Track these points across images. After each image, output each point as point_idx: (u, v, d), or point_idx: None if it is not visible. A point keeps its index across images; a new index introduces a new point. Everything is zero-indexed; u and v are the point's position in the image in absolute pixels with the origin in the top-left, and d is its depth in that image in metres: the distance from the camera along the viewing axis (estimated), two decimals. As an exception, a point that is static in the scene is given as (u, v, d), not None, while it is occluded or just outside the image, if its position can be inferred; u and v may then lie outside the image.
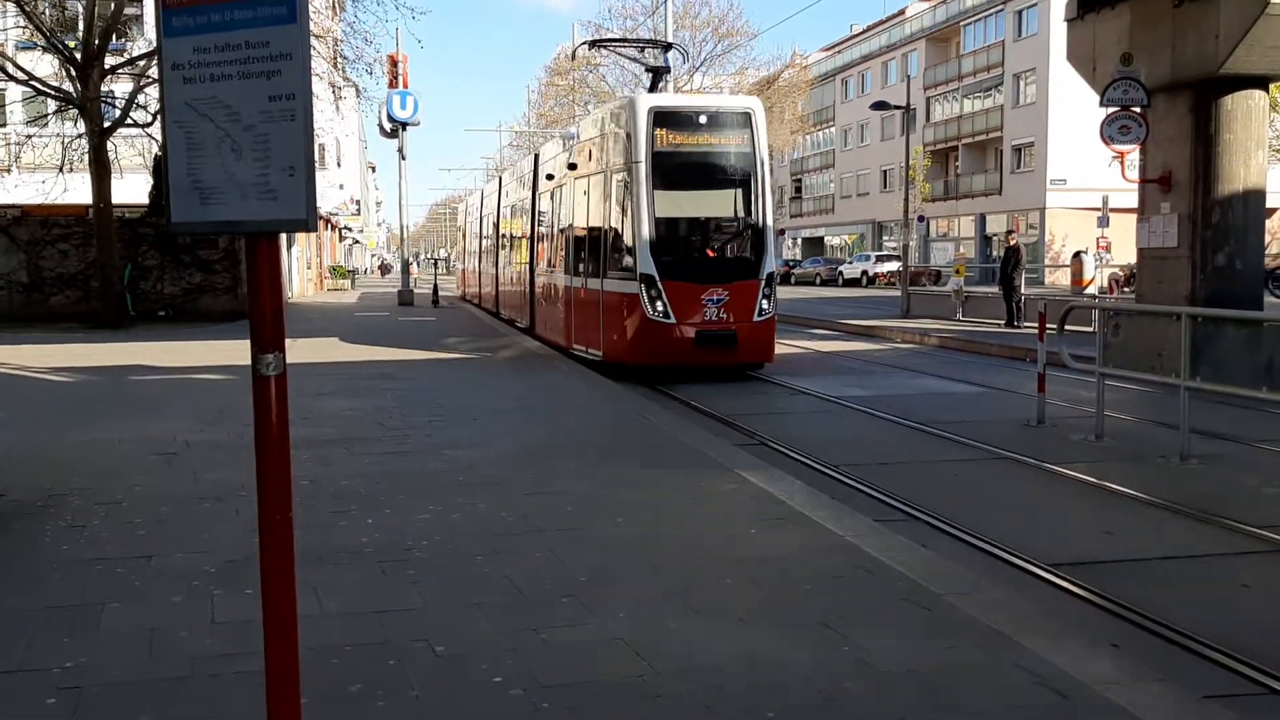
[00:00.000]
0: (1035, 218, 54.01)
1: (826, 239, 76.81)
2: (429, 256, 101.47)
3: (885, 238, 66.83)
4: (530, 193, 21.18)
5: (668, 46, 21.11)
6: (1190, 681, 4.15)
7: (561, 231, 17.76)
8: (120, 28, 24.57)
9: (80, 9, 23.75)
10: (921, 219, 45.94)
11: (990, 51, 58.78)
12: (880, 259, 53.70)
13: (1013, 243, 24.53)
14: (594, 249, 15.47)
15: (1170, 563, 6.15)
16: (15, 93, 28.36)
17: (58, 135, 25.42)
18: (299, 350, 16.57)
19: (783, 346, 16.86)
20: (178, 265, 25.85)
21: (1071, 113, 46.98)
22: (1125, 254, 29.03)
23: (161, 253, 25.69)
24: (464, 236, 39.79)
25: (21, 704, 3.74)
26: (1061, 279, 42.16)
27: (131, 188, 26.53)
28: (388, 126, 34.43)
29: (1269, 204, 15.74)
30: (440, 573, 5.26)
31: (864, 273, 52.58)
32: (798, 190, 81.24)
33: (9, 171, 32.94)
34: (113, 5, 23.25)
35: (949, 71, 63.01)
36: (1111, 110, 14.76)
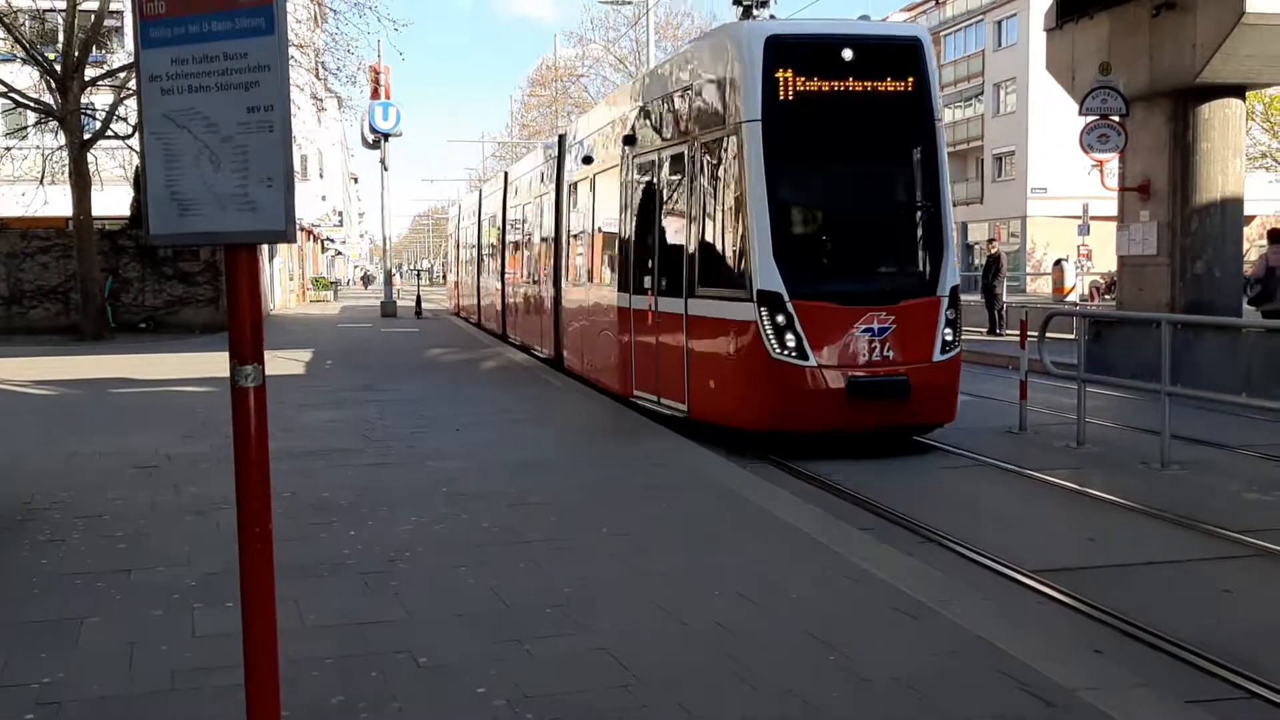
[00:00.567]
0: (1017, 226, 54.31)
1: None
2: (412, 267, 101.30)
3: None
4: (554, 186, 16.31)
5: None
6: (1173, 686, 4.17)
7: (608, 232, 13.03)
8: (100, 39, 24.46)
9: (60, 21, 23.66)
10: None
11: (970, 61, 59.15)
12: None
13: (994, 251, 24.71)
14: (670, 255, 10.61)
15: (1151, 568, 6.18)
16: (-6, 105, 28.23)
17: (37, 147, 25.30)
18: (278, 364, 16.52)
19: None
20: (159, 277, 25.72)
21: (1052, 122, 47.25)
22: (1106, 262, 29.23)
23: (142, 265, 25.57)
24: (456, 245, 34.13)
25: (-1, 720, 3.70)
26: (1043, 287, 42.43)
27: (112, 200, 26.41)
28: (370, 138, 34.40)
29: (1246, 212, 15.91)
30: (423, 584, 5.24)
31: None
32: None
33: (-12, 184, 32.75)
34: (92, 17, 23.18)
35: (930, 81, 63.21)
36: (1090, 119, 14.89)
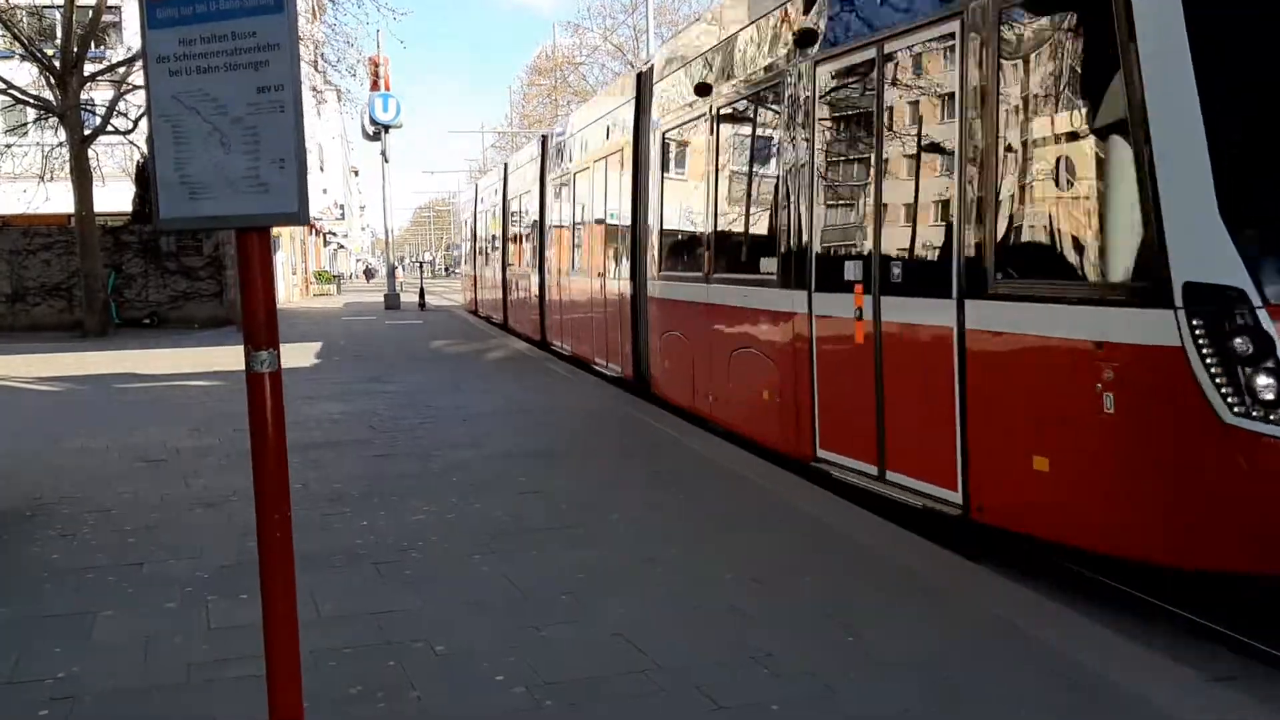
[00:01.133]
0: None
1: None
2: (415, 260, 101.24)
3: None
4: (629, 138, 11.84)
5: None
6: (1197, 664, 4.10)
7: (758, 191, 8.47)
8: (99, 35, 24.39)
9: (59, 17, 23.58)
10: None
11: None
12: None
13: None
14: (915, 219, 6.28)
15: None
16: (-6, 102, 28.15)
17: (38, 144, 25.22)
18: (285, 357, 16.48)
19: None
20: (162, 272, 25.67)
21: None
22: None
23: (145, 260, 25.52)
24: (473, 235, 28.89)
25: (13, 716, 3.67)
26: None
27: (114, 195, 26.34)
28: (370, 130, 34.34)
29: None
30: (437, 572, 5.21)
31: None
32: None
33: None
34: (91, 12, 23.09)
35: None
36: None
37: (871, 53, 6.48)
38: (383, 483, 7.23)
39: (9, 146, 26.05)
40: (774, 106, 7.86)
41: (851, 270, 6.64)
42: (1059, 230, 5.22)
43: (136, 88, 22.76)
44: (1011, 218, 5.44)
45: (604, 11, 46.74)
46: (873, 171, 6.50)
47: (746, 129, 8.77)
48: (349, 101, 33.58)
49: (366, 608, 4.69)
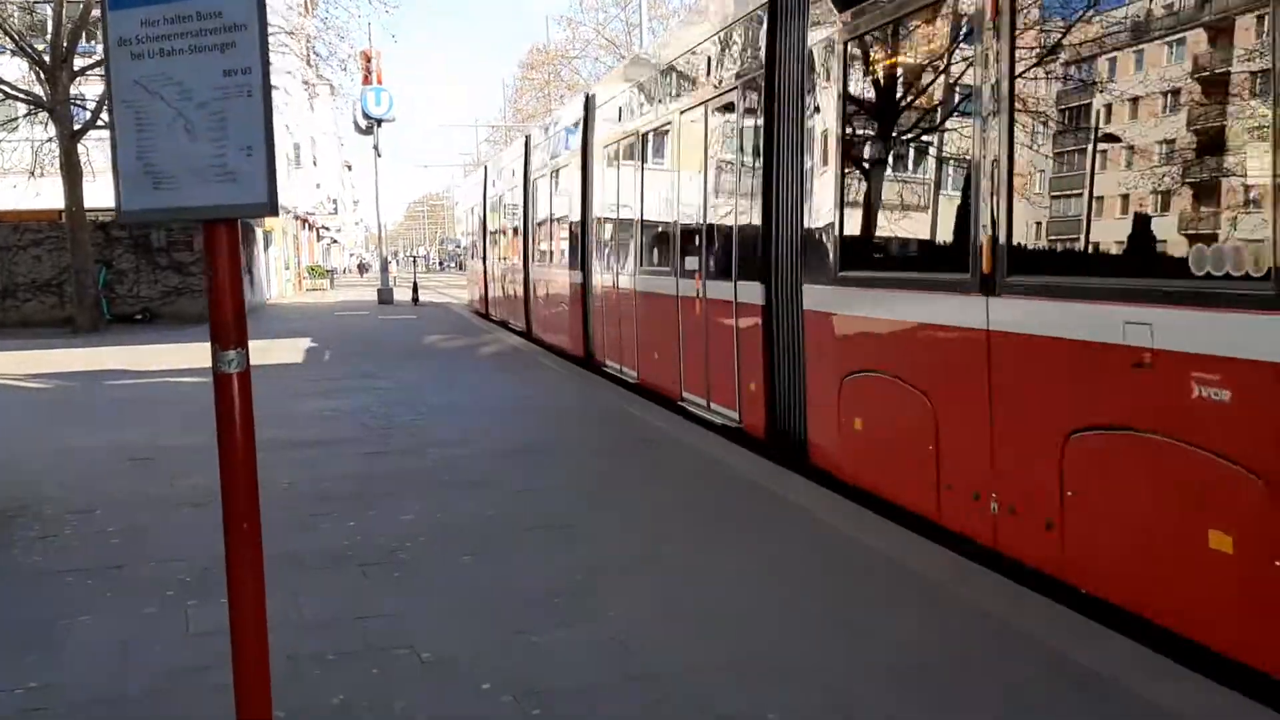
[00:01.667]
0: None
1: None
2: (409, 254, 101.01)
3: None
4: (719, 89, 8.59)
5: None
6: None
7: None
8: (89, 29, 24.17)
9: (49, 11, 23.37)
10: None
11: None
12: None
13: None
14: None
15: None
16: (-17, 97, 27.92)
17: (28, 139, 25.03)
18: (277, 352, 16.34)
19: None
20: (153, 268, 25.52)
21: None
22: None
23: (137, 255, 25.37)
24: (482, 225, 24.72)
25: (-17, 727, 3.54)
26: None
27: (104, 191, 25.87)
28: (363, 124, 34.16)
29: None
30: (426, 575, 5.08)
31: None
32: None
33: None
34: (81, 6, 22.88)
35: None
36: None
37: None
38: (373, 481, 7.10)
39: (-2, 141, 25.88)
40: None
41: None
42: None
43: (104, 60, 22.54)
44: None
45: (596, 4, 46.56)
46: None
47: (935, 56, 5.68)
48: (342, 96, 33.44)
49: (351, 612, 4.55)
